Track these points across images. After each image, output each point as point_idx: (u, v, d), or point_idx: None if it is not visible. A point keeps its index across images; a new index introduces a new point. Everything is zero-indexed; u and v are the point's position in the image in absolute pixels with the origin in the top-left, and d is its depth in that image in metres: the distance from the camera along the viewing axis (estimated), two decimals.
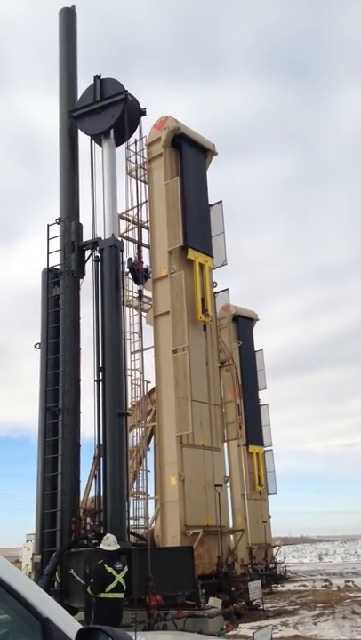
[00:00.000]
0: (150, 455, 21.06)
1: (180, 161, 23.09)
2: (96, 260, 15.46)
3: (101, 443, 14.20)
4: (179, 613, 13.99)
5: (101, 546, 10.92)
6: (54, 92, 17.64)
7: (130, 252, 17.40)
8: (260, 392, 34.27)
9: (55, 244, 16.07)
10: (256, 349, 34.78)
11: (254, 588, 18.10)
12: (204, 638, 7.88)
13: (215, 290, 24.42)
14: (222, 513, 20.80)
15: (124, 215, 20.95)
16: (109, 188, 16.06)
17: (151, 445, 21.68)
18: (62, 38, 17.65)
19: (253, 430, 32.03)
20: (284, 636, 14.65)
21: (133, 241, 20.11)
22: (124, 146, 18.45)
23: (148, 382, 19.90)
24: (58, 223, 16.14)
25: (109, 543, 10.74)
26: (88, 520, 14.68)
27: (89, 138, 16.97)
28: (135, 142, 19.82)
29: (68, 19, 17.77)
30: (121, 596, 10.35)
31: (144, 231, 21.51)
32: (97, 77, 16.57)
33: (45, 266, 16.01)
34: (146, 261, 17.25)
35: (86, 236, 16.11)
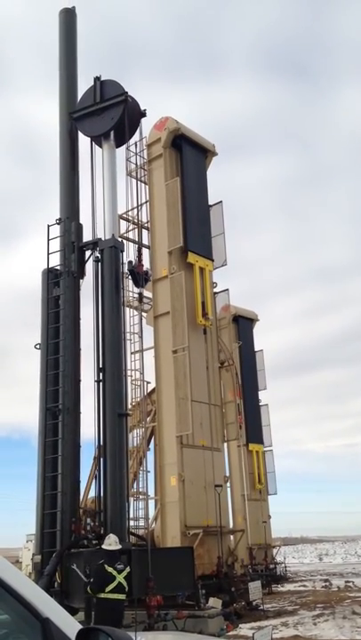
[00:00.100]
0: (150, 455, 21.09)
1: (180, 161, 23.09)
2: (96, 261, 15.47)
3: (101, 443, 14.21)
4: (179, 614, 13.99)
5: (103, 545, 10.93)
6: (54, 92, 17.67)
7: (130, 253, 17.40)
8: (260, 392, 34.27)
9: (55, 245, 16.08)
10: (256, 350, 34.78)
11: (254, 588, 18.09)
12: (204, 638, 7.88)
13: (215, 290, 24.42)
14: (222, 513, 20.80)
15: (125, 216, 20.95)
16: (109, 188, 16.07)
17: (151, 446, 21.70)
18: (62, 39, 17.66)
19: (253, 429, 32.03)
20: (284, 636, 14.65)
21: (133, 241, 20.11)
22: (124, 147, 18.45)
23: (148, 383, 19.92)
24: (58, 224, 16.15)
25: (110, 543, 10.73)
26: (88, 520, 14.68)
27: (89, 139, 16.98)
28: (135, 143, 19.83)
29: (68, 19, 17.78)
30: (122, 597, 10.32)
31: (144, 232, 21.53)
32: (97, 79, 16.58)
33: (45, 266, 16.03)
34: (146, 263, 17.26)
35: (86, 236, 16.14)
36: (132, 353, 17.61)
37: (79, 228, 16.18)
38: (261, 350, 35.20)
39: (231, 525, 25.20)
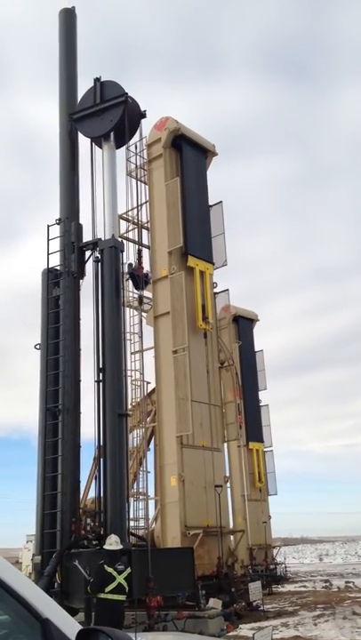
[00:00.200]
0: (150, 456, 21.09)
1: (180, 161, 23.09)
2: (96, 261, 15.46)
3: (101, 443, 14.20)
4: (179, 614, 13.98)
5: (104, 545, 10.92)
6: (54, 92, 17.65)
7: (130, 254, 17.41)
8: (260, 392, 34.28)
9: (55, 245, 16.08)
10: (256, 350, 34.78)
11: (254, 588, 18.08)
12: (204, 639, 7.87)
13: (215, 290, 24.42)
14: (222, 514, 20.80)
15: (124, 216, 20.95)
16: (109, 189, 16.06)
17: (151, 446, 21.69)
18: (62, 39, 17.64)
19: (253, 428, 32.04)
20: (284, 636, 14.64)
21: (133, 241, 20.11)
22: (124, 147, 18.44)
23: (148, 383, 19.91)
24: (58, 224, 16.14)
25: (111, 543, 10.71)
26: (88, 521, 14.67)
27: (89, 139, 16.97)
28: (135, 143, 19.83)
29: (68, 19, 17.77)
30: (122, 597, 10.28)
31: (144, 232, 21.54)
32: (97, 80, 16.56)
33: (45, 266, 16.02)
34: (146, 265, 17.26)
35: (86, 236, 16.12)
36: (132, 353, 17.61)
37: (79, 228, 16.17)
38: (261, 350, 35.23)
39: (231, 526, 25.20)
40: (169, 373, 20.63)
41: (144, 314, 19.84)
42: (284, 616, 18.43)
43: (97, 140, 16.77)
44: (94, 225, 16.12)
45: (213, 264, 23.40)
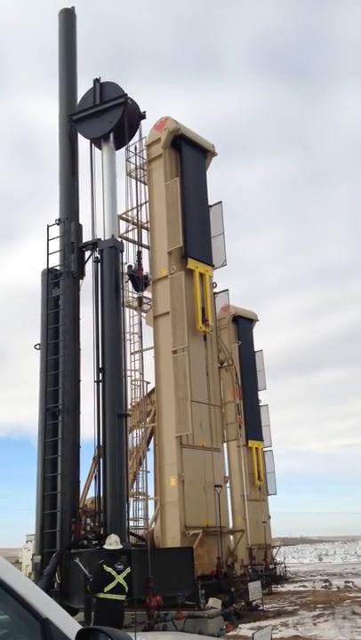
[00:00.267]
0: (150, 456, 21.08)
1: (179, 162, 23.08)
2: (96, 261, 15.47)
3: (101, 443, 14.21)
4: (179, 614, 13.99)
5: (104, 545, 10.93)
6: (54, 92, 17.65)
7: (130, 255, 17.42)
8: (260, 393, 34.28)
9: (55, 245, 16.08)
10: (256, 350, 34.78)
11: (254, 588, 18.09)
12: (203, 639, 7.89)
13: (215, 290, 24.42)
14: (222, 513, 20.80)
15: (124, 216, 20.96)
16: (109, 189, 16.07)
17: (151, 446, 21.68)
18: (62, 39, 17.63)
19: (253, 427, 32.05)
20: (283, 636, 14.65)
21: (133, 242, 20.11)
22: (123, 148, 18.43)
23: (147, 383, 19.91)
24: (57, 224, 16.15)
25: (111, 542, 10.73)
26: (88, 521, 14.68)
27: (89, 140, 16.96)
28: (135, 144, 19.82)
29: (68, 20, 17.76)
30: (121, 597, 10.29)
31: (144, 232, 21.54)
32: (96, 81, 16.55)
33: (45, 266, 16.02)
34: (146, 266, 17.27)
35: (86, 236, 16.13)
36: (131, 353, 17.62)
37: (79, 228, 16.18)
38: (261, 350, 35.23)
39: (231, 526, 25.20)
40: (169, 373, 20.63)
41: (144, 314, 19.85)
42: (283, 616, 18.44)
43: (96, 141, 16.76)
44: (94, 225, 16.15)
45: (213, 266, 23.39)
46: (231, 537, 24.52)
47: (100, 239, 15.62)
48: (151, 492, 20.55)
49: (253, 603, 19.77)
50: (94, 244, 15.69)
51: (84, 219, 16.40)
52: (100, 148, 16.70)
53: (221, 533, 20.44)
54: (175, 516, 19.43)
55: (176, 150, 23.13)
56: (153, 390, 21.74)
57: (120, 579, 10.23)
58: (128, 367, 16.07)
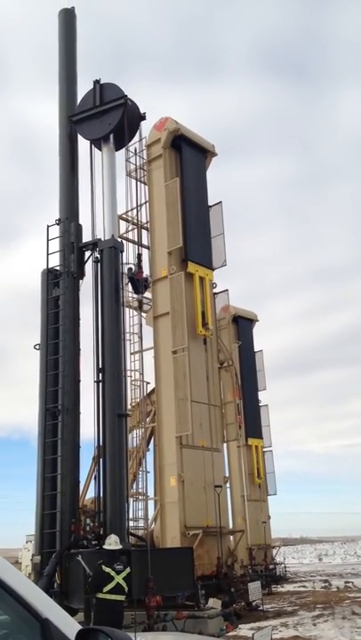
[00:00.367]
0: (150, 456, 21.08)
1: (179, 162, 23.08)
2: (96, 261, 15.47)
3: (101, 444, 14.20)
4: (178, 614, 13.98)
5: (103, 545, 10.93)
6: (54, 92, 17.65)
7: (129, 256, 17.41)
8: (259, 393, 34.29)
9: (55, 245, 16.08)
10: (256, 350, 34.80)
11: (254, 588, 18.09)
12: (203, 639, 7.88)
13: (215, 291, 24.41)
14: (222, 514, 20.80)
15: (124, 216, 20.96)
16: (109, 190, 16.07)
17: (151, 446, 21.69)
18: (62, 39, 17.63)
19: (253, 426, 32.06)
20: (283, 636, 14.64)
21: (133, 242, 20.11)
22: (123, 148, 18.42)
23: (147, 383, 19.90)
24: (57, 224, 16.15)
25: (110, 542, 10.73)
26: (88, 521, 14.68)
27: (89, 141, 16.95)
28: (135, 144, 19.81)
29: (68, 20, 17.75)
30: (120, 597, 10.28)
31: (144, 232, 21.54)
32: (96, 82, 16.53)
33: (45, 267, 16.03)
34: (146, 269, 17.28)
35: (86, 237, 16.13)
36: (131, 353, 17.62)
37: (79, 228, 16.17)
38: (261, 351, 35.25)
39: (231, 526, 25.20)
40: (168, 374, 20.63)
41: (144, 314, 19.86)
42: (283, 616, 18.44)
43: (96, 143, 16.75)
44: (94, 225, 16.16)
45: (213, 269, 23.37)
46: (231, 537, 24.51)
47: (99, 239, 15.62)
48: (151, 493, 20.57)
49: (253, 603, 19.76)
50: (94, 245, 15.70)
51: (84, 219, 16.43)
52: (99, 149, 16.69)
53: (221, 534, 20.43)
54: (175, 516, 19.43)
55: (176, 150, 23.13)
56: (153, 390, 21.74)
57: (119, 579, 10.22)
58: (128, 367, 16.08)
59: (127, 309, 17.64)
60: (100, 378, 14.53)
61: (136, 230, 20.48)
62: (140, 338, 17.87)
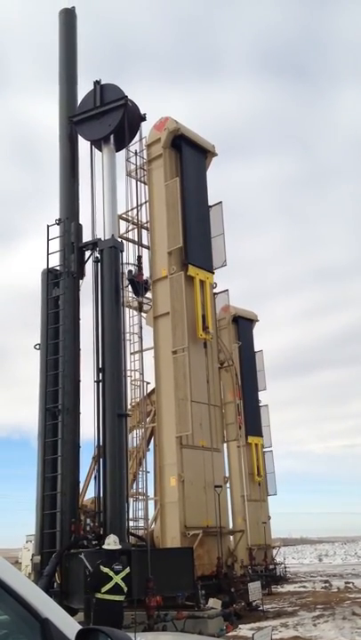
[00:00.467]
0: (150, 456, 21.08)
1: (179, 162, 23.07)
2: (96, 261, 15.47)
3: (101, 444, 14.20)
4: (178, 614, 13.97)
5: (103, 545, 10.92)
6: (54, 92, 17.65)
7: (129, 256, 17.40)
8: (260, 393, 34.30)
9: (55, 245, 16.07)
10: (256, 350, 34.80)
11: (254, 588, 18.08)
12: (203, 639, 7.88)
13: (215, 291, 24.40)
14: (222, 514, 20.79)
15: (124, 216, 20.95)
16: (109, 190, 16.07)
17: (151, 446, 21.69)
18: (62, 40, 17.61)
19: (253, 426, 32.07)
20: (283, 637, 14.64)
21: (133, 242, 20.11)
22: (123, 149, 18.41)
23: (147, 383, 19.90)
24: (58, 224, 16.14)
25: (110, 542, 10.72)
26: (88, 521, 14.68)
27: (89, 142, 16.94)
28: (135, 143, 19.81)
29: (69, 20, 17.74)
30: (119, 598, 10.25)
31: (144, 232, 21.53)
32: (97, 83, 16.52)
33: (45, 266, 16.02)
34: (146, 271, 17.28)
35: (86, 236, 16.13)
36: (131, 353, 17.61)
37: (79, 228, 16.17)
38: (261, 351, 35.25)
39: (231, 526, 25.19)
40: (168, 374, 20.62)
41: (143, 314, 19.86)
42: (283, 616, 18.43)
43: (97, 144, 16.74)
44: (94, 225, 16.15)
45: (214, 273, 23.36)
46: (231, 537, 24.51)
47: (100, 239, 15.61)
48: (151, 493, 20.56)
49: (253, 603, 19.76)
50: (94, 244, 15.69)
51: (84, 219, 16.42)
52: (100, 149, 16.68)
53: (221, 534, 20.43)
54: (175, 516, 19.42)
55: (176, 150, 23.13)
56: (153, 390, 21.73)
57: (118, 579, 10.20)
58: (128, 367, 16.08)
59: (127, 309, 17.65)
60: (100, 378, 14.53)
61: (136, 230, 20.47)
62: (140, 338, 17.87)
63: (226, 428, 24.08)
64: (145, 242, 21.46)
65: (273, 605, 21.50)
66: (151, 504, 20.44)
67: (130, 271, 15.92)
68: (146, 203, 21.94)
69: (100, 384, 14.49)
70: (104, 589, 10.09)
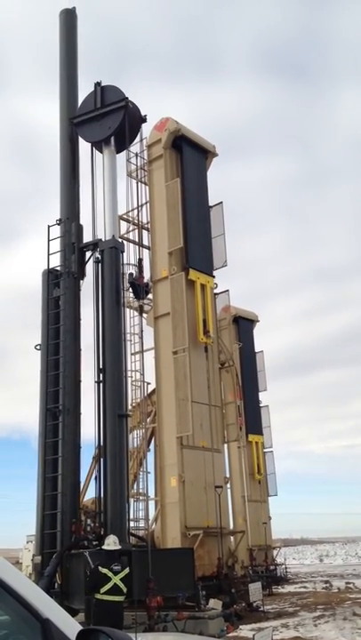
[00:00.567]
0: (150, 456, 21.10)
1: (180, 162, 23.08)
2: (96, 262, 15.47)
3: (102, 444, 14.20)
4: (179, 615, 13.96)
5: (102, 546, 10.92)
6: (54, 92, 17.67)
7: (130, 256, 17.41)
8: (260, 393, 34.29)
9: (56, 246, 16.08)
10: (256, 351, 34.79)
11: (255, 589, 18.06)
12: (204, 639, 7.87)
13: (216, 291, 24.40)
14: (223, 514, 20.79)
15: (125, 217, 20.97)
16: (110, 191, 16.07)
17: (151, 447, 21.70)
18: (63, 40, 17.62)
19: (253, 423, 32.07)
20: (284, 637, 14.63)
21: (134, 242, 20.13)
22: (124, 150, 18.41)
23: (148, 383, 19.91)
24: (58, 224, 16.15)
25: (109, 543, 10.72)
26: (88, 521, 14.67)
27: (89, 143, 16.94)
28: (136, 144, 19.82)
29: (69, 20, 17.74)
30: (118, 598, 10.23)
31: (144, 232, 21.54)
32: (97, 84, 16.51)
33: (46, 267, 16.03)
34: (146, 272, 17.28)
35: (87, 237, 16.13)
36: (132, 354, 17.63)
37: (79, 228, 16.17)
38: (262, 351, 35.25)
39: (232, 526, 25.19)
40: (169, 374, 20.62)
41: (144, 314, 19.87)
42: (284, 617, 18.42)
43: (97, 145, 16.74)
44: (95, 226, 16.15)
45: (214, 277, 23.35)
46: (232, 538, 24.51)
47: (100, 240, 15.62)
48: (152, 493, 20.57)
49: (254, 604, 19.74)
50: (95, 245, 15.69)
51: (85, 219, 16.42)
52: (100, 151, 16.67)
53: (222, 534, 20.43)
54: (176, 516, 19.43)
55: (177, 151, 23.14)
56: (153, 391, 21.74)
57: (117, 580, 10.17)
58: (129, 368, 16.09)
59: (128, 310, 17.65)
60: (101, 378, 14.53)
61: (137, 231, 20.50)
62: (141, 338, 17.89)
63: (226, 429, 24.09)
64: (145, 242, 21.48)
65: (274, 606, 21.49)
66: (152, 504, 20.46)
67: (130, 274, 15.93)
68: (146, 203, 21.96)
69: (101, 384, 14.49)
70: (103, 590, 10.08)
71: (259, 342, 35.08)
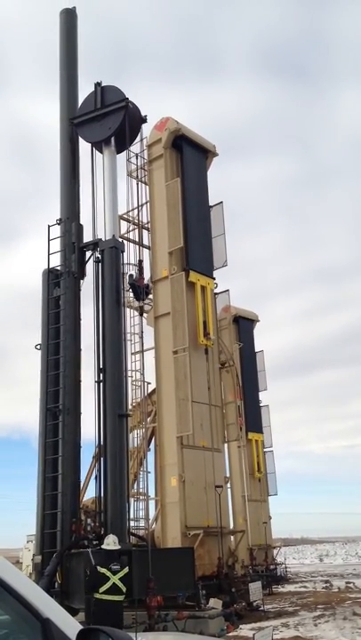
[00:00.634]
0: (151, 456, 21.12)
1: (180, 162, 23.08)
2: (97, 261, 15.47)
3: (102, 443, 14.20)
4: (179, 614, 13.98)
5: (102, 545, 10.93)
6: (54, 92, 17.65)
7: (130, 257, 17.40)
8: (260, 393, 34.29)
9: (56, 245, 16.07)
10: (257, 350, 34.79)
11: (255, 588, 18.07)
12: (204, 639, 7.88)
13: (216, 291, 24.41)
14: (223, 514, 20.80)
15: (125, 216, 20.97)
16: (110, 191, 16.06)
17: (152, 446, 21.71)
18: (63, 40, 17.60)
19: (253, 422, 32.08)
20: (284, 637, 14.63)
21: (134, 242, 20.13)
22: (124, 150, 18.41)
23: (148, 383, 19.93)
24: (58, 224, 16.14)
25: (109, 543, 10.73)
26: (89, 521, 14.68)
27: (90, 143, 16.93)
28: (136, 144, 19.81)
29: (69, 20, 17.73)
30: (118, 598, 10.24)
31: (144, 232, 21.55)
32: (98, 85, 16.50)
33: (46, 267, 16.02)
34: (146, 269, 17.27)
35: (87, 237, 16.12)
36: (132, 353, 17.64)
37: (80, 228, 16.16)
38: (262, 351, 35.24)
39: (232, 526, 25.20)
40: (169, 374, 20.63)
41: (144, 314, 19.86)
42: (284, 616, 18.42)
43: (97, 145, 16.73)
44: (95, 225, 16.14)
45: (215, 279, 23.34)
46: (232, 537, 24.54)
47: (100, 239, 15.61)
48: (152, 493, 20.59)
49: (254, 603, 19.75)
50: (95, 245, 15.69)
51: (85, 219, 16.42)
52: (101, 151, 16.66)
53: (222, 534, 20.44)
54: (176, 516, 19.44)
55: (177, 151, 23.14)
56: (154, 390, 21.75)
57: (115, 579, 10.18)
58: (129, 367, 16.09)
59: (128, 309, 17.65)
60: (101, 378, 14.53)
61: (137, 230, 20.51)
62: (141, 338, 17.88)
63: (227, 429, 24.10)
64: (146, 242, 21.49)
65: (274, 605, 21.49)
66: (152, 504, 20.48)
67: (131, 275, 15.92)
68: (147, 203, 21.96)
69: (101, 384, 14.48)
70: (102, 590, 10.10)
71: (259, 342, 35.13)
